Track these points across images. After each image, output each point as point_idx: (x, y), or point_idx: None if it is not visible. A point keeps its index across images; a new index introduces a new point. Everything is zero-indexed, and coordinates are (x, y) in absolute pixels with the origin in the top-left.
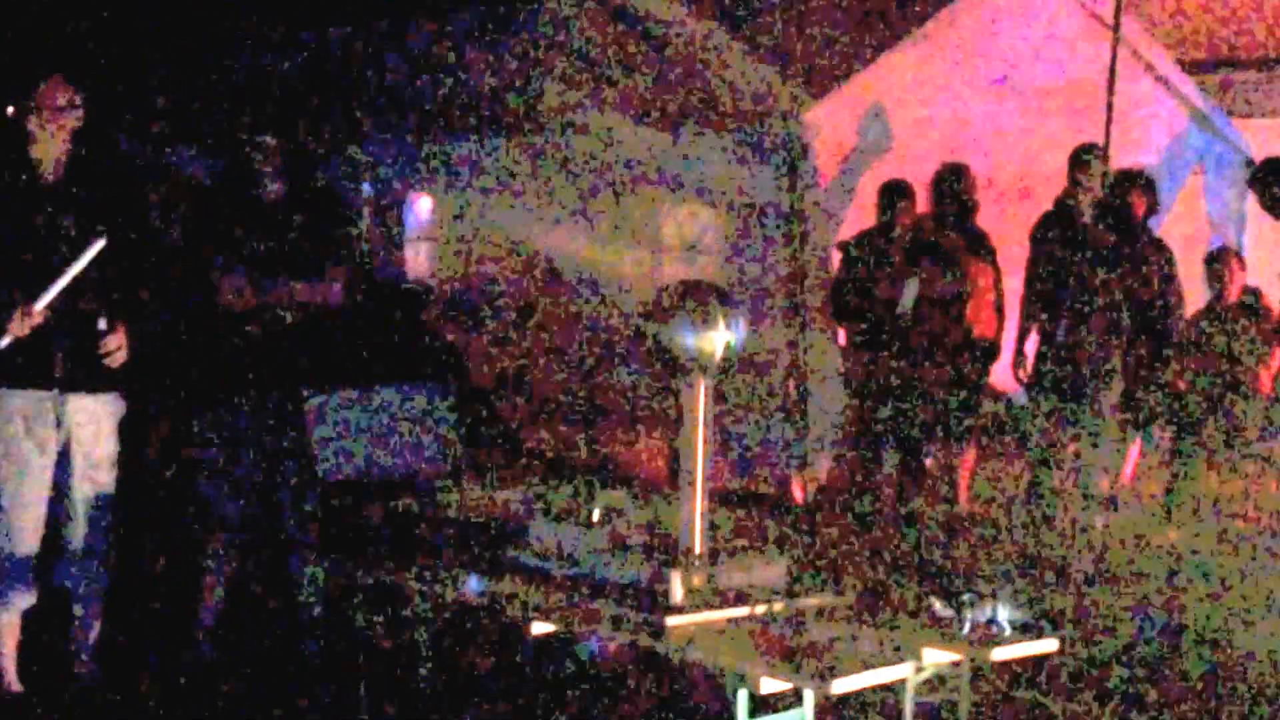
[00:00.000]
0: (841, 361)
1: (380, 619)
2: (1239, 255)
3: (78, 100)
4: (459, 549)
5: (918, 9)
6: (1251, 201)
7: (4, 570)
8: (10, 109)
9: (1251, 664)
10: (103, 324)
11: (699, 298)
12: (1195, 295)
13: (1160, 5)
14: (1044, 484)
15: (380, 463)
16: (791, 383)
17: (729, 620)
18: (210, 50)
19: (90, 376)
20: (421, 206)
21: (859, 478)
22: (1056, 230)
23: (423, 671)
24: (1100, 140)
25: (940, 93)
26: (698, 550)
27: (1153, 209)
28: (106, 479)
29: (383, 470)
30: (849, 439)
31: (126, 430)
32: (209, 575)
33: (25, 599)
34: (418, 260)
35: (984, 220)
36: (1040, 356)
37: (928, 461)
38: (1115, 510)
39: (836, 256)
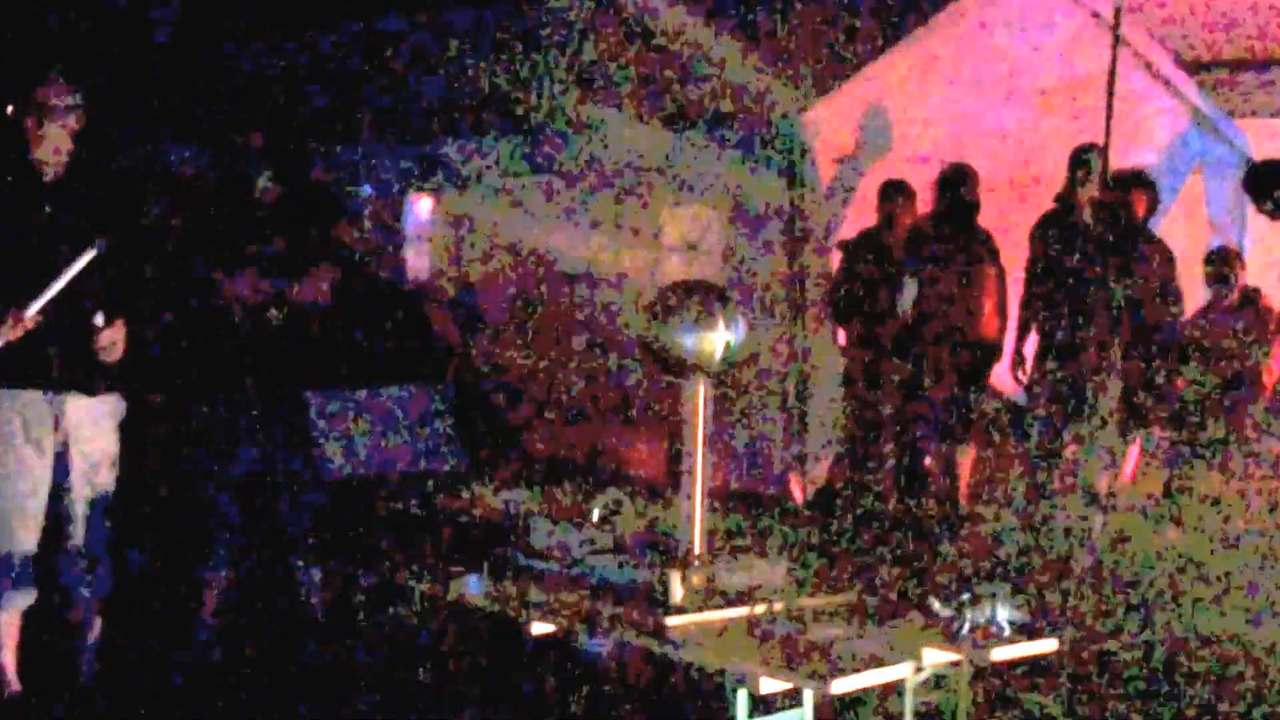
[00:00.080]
0: (841, 361)
1: (380, 619)
2: (1239, 255)
3: (78, 100)
4: (459, 549)
5: (918, 9)
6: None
7: (4, 570)
8: (10, 109)
9: (1252, 664)
10: (99, 319)
11: (699, 298)
12: (1195, 295)
13: (1160, 5)
14: (1044, 484)
15: (380, 463)
16: (791, 383)
17: (729, 620)
18: (210, 50)
19: (88, 377)
20: (421, 207)
21: (859, 478)
22: (1056, 230)
23: (423, 671)
24: (1100, 140)
25: (940, 93)
26: (698, 550)
27: (1153, 209)
28: (106, 479)
29: (383, 470)
30: (849, 439)
31: (126, 430)
32: (209, 575)
33: (25, 599)
34: (418, 260)
35: (984, 220)
36: (1040, 356)
37: (927, 461)
38: (1115, 510)
39: (836, 256)
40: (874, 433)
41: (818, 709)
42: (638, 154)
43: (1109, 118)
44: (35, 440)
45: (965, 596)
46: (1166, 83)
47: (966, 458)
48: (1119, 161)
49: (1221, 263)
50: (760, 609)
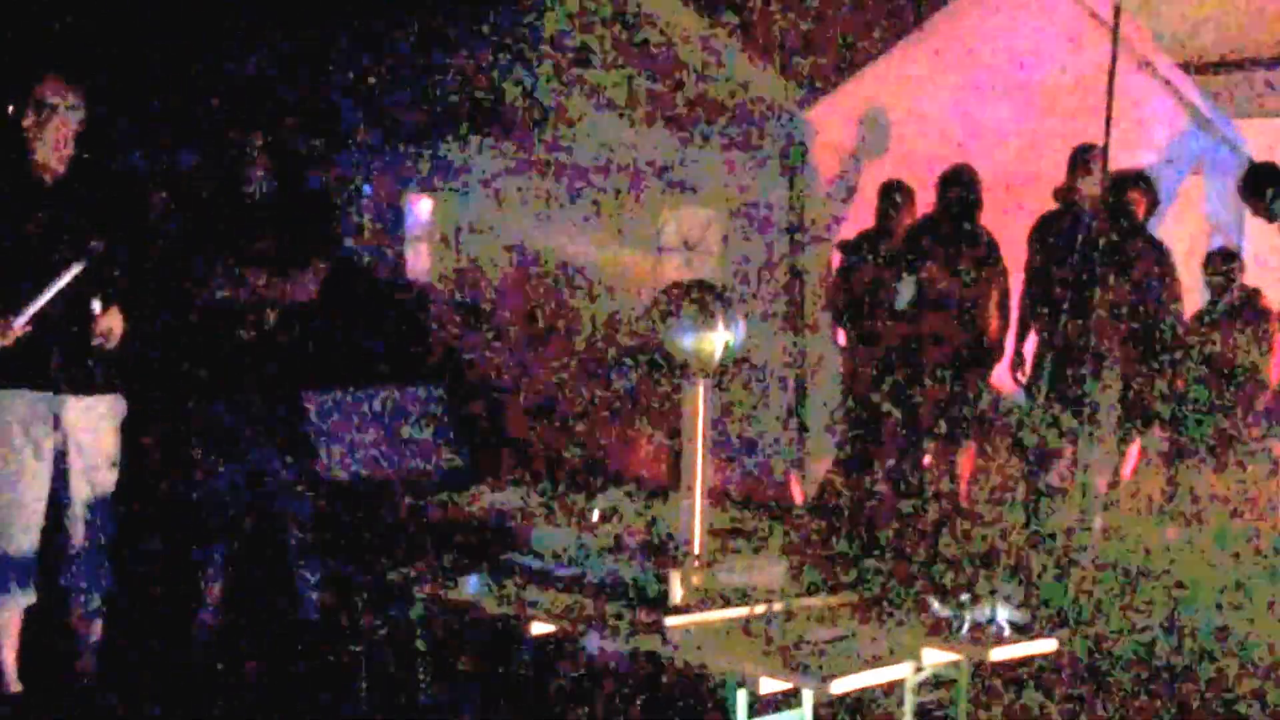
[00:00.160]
0: (841, 362)
1: (380, 619)
2: (1238, 255)
3: (78, 100)
4: (459, 549)
5: (918, 9)
6: None
7: (4, 570)
8: (10, 109)
9: (1252, 664)
10: (96, 305)
11: (698, 298)
12: (1195, 295)
13: (1161, 5)
14: (1043, 484)
15: (380, 463)
16: (791, 383)
17: (729, 620)
18: (209, 50)
19: (87, 377)
20: (421, 207)
21: (858, 477)
22: (1056, 230)
23: (423, 671)
24: (1100, 140)
25: (940, 93)
26: (697, 550)
27: (1152, 209)
28: (106, 479)
29: (383, 470)
30: (848, 439)
31: (126, 430)
32: (209, 575)
33: (25, 599)
34: (417, 260)
35: (984, 220)
36: (1039, 356)
37: (927, 461)
38: (1115, 510)
39: (836, 256)
40: (873, 433)
41: (817, 709)
42: (637, 154)
43: (1108, 118)
44: (34, 440)
45: (965, 596)
46: (1166, 83)
47: (966, 458)
48: (1118, 162)
49: (1221, 263)
50: (760, 609)
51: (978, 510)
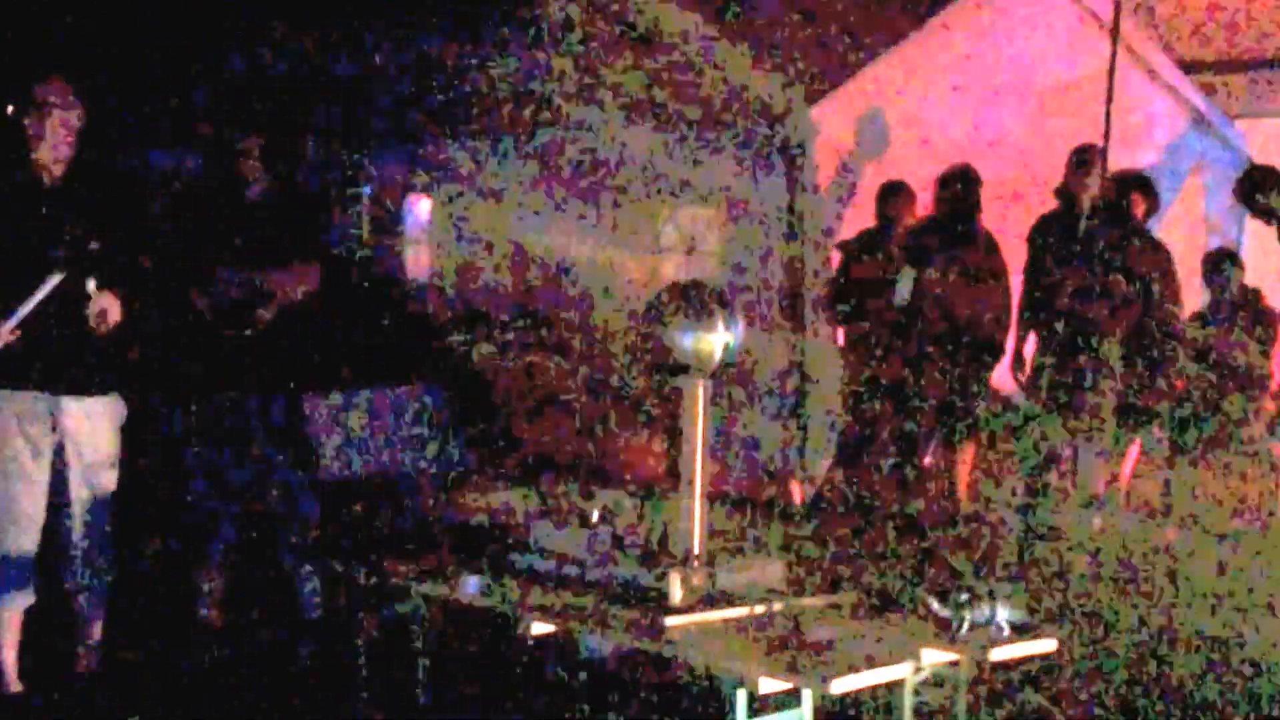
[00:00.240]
0: (841, 362)
1: (380, 619)
2: (1238, 256)
3: (78, 101)
4: (459, 549)
5: (918, 9)
6: None
7: (4, 570)
8: (10, 108)
9: (1251, 664)
10: (91, 285)
11: (698, 299)
12: (1194, 295)
13: (1160, 5)
14: (1042, 484)
15: (380, 463)
16: (791, 383)
17: (728, 620)
18: (209, 50)
19: (85, 378)
20: (421, 208)
21: (858, 477)
22: (1055, 231)
23: (422, 671)
24: (1100, 141)
25: (940, 93)
26: (697, 551)
27: (1152, 210)
28: (105, 480)
29: (383, 470)
30: (848, 439)
31: (126, 431)
32: (208, 575)
33: (25, 598)
34: (417, 262)
35: (984, 221)
36: (1039, 356)
37: (926, 461)
38: (1113, 510)
39: (836, 257)
40: (873, 433)
41: (817, 709)
42: (637, 155)
43: (1108, 118)
44: (32, 441)
45: (964, 596)
46: (1165, 84)
47: (965, 457)
48: (1118, 162)
49: (1220, 263)
50: (760, 609)
51: (977, 510)
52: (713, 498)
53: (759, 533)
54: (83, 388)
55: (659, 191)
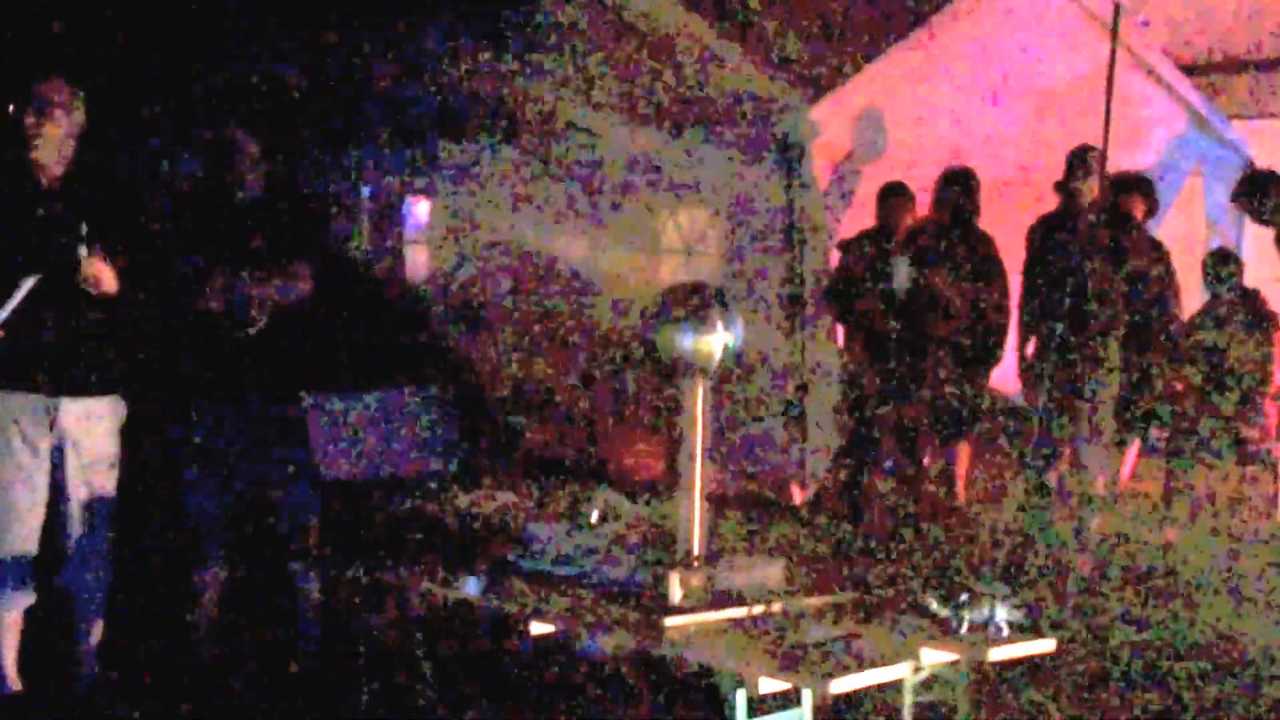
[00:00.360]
0: (840, 362)
1: (380, 619)
2: (1237, 256)
3: (78, 101)
4: (459, 549)
5: (918, 9)
6: None
7: (4, 570)
8: (11, 108)
9: (1251, 664)
10: (83, 250)
11: (697, 300)
12: (1193, 296)
13: (1160, 6)
14: (1041, 484)
15: (380, 463)
16: (791, 384)
17: (728, 621)
18: (209, 50)
19: (83, 379)
20: (420, 209)
21: (857, 478)
22: (1055, 231)
23: (423, 672)
24: (1099, 141)
25: (940, 94)
26: (696, 551)
27: (1151, 211)
28: (104, 480)
29: (382, 470)
30: (848, 439)
31: (126, 432)
32: (208, 576)
33: (25, 599)
34: (416, 263)
35: (983, 221)
36: (1038, 357)
37: (926, 461)
38: (1113, 511)
39: (836, 256)
40: (873, 432)
41: (816, 709)
42: (636, 155)
43: (1107, 119)
44: (31, 442)
45: (963, 596)
46: (1165, 84)
47: (965, 457)
48: (1118, 163)
49: (1220, 264)
50: (759, 609)
51: (976, 510)
52: (713, 498)
53: (759, 533)
54: (81, 388)
55: (658, 192)
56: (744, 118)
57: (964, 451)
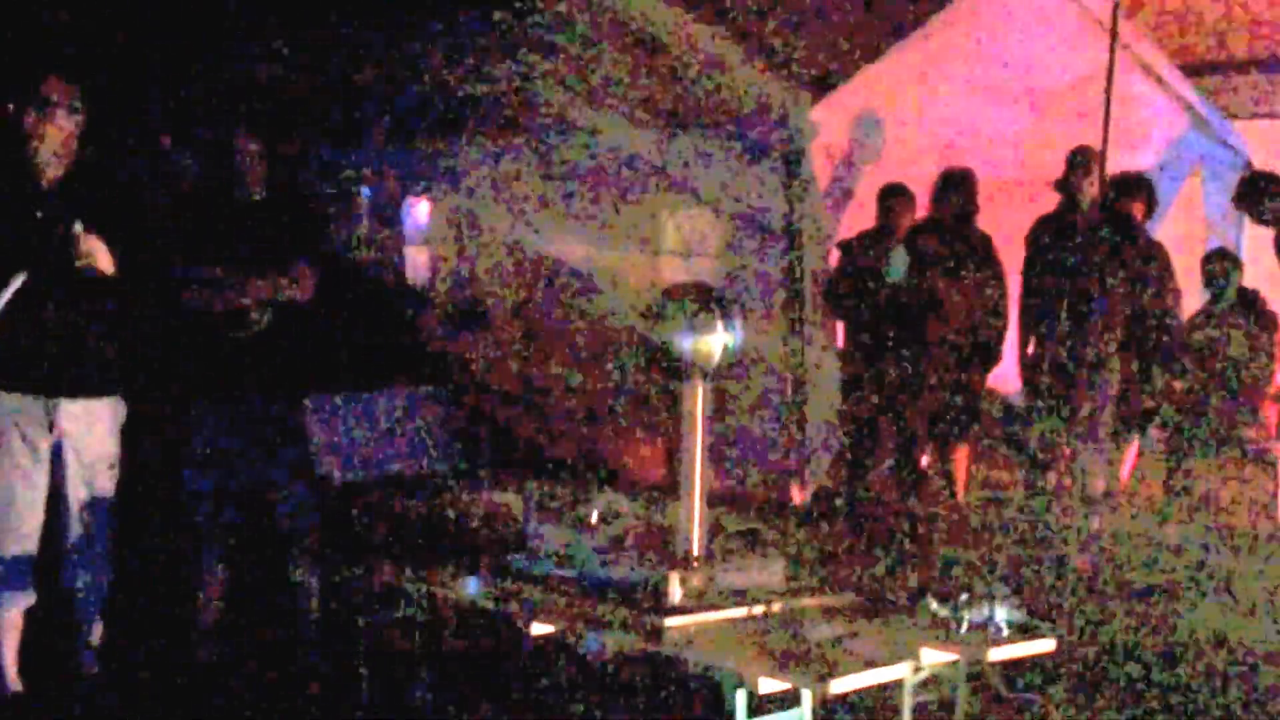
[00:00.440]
0: (839, 362)
1: (380, 619)
2: (1237, 257)
3: (78, 100)
4: (459, 549)
5: (918, 10)
6: None
7: (4, 571)
8: (11, 108)
9: (1250, 664)
10: (78, 226)
11: (697, 300)
12: (1193, 297)
13: (1159, 6)
14: (1041, 484)
15: (380, 463)
16: (790, 384)
17: (728, 621)
18: (209, 51)
19: (82, 379)
20: (420, 210)
21: (856, 478)
22: (1054, 232)
23: (423, 672)
24: (1098, 142)
25: (939, 95)
26: (696, 551)
27: (1151, 211)
28: (104, 481)
29: (383, 471)
30: (848, 439)
31: (127, 432)
32: (207, 576)
33: (25, 599)
34: (416, 263)
35: (982, 222)
36: (1038, 357)
37: (925, 461)
38: (1112, 511)
39: (836, 256)
40: (872, 432)
41: (816, 709)
42: (636, 156)
43: (1107, 120)
44: (30, 442)
45: (963, 596)
46: (1164, 85)
47: (964, 457)
48: (1117, 164)
49: (1219, 264)
50: (759, 609)
51: (976, 510)
52: (713, 498)
53: (759, 532)
54: (81, 388)
55: (658, 193)
56: (745, 118)
57: (964, 451)
